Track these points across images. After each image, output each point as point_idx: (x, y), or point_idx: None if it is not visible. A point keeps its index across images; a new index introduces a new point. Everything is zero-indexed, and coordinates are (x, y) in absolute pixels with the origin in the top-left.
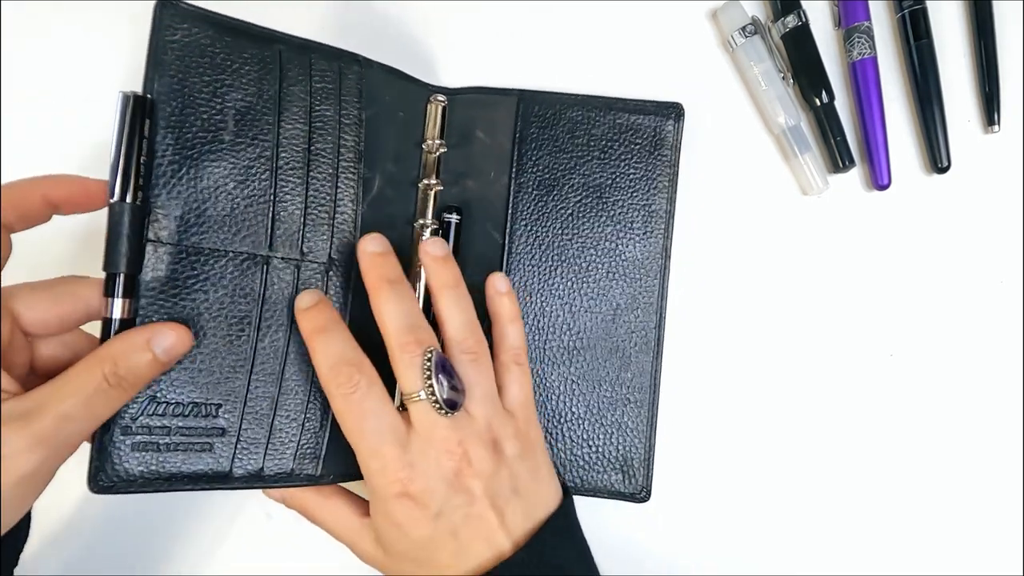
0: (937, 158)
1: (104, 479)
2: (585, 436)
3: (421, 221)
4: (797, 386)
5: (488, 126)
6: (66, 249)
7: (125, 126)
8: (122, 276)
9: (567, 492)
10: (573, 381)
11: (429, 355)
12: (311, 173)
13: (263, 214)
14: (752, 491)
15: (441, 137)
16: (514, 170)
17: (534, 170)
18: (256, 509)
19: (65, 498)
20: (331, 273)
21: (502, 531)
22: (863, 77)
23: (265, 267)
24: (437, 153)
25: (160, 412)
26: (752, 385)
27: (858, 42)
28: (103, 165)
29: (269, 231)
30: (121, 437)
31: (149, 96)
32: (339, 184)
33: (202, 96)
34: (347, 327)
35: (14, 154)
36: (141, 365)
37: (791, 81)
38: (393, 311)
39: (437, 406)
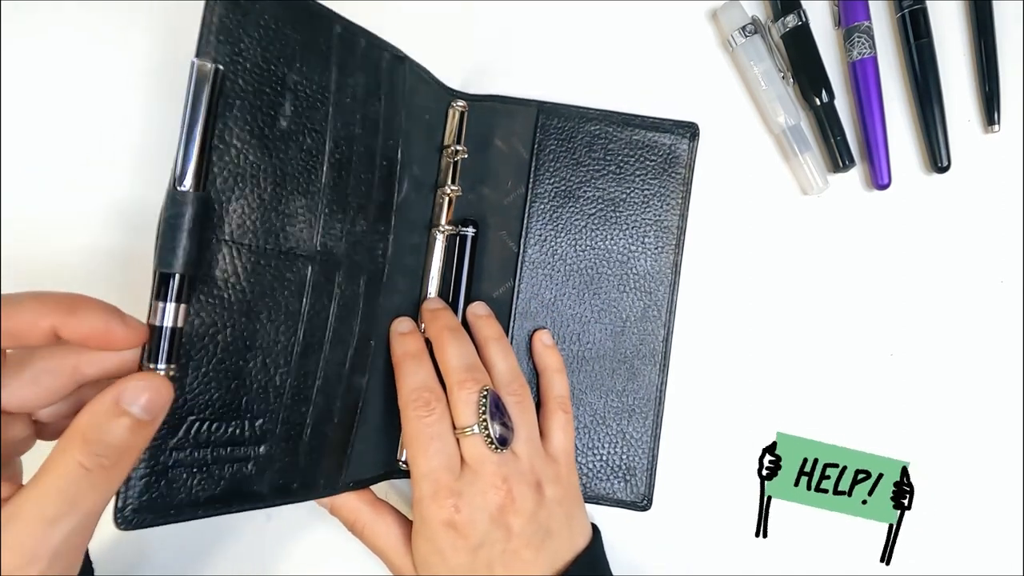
0: (937, 158)
1: (134, 516)
2: (590, 444)
3: (438, 226)
4: (797, 386)
5: (506, 135)
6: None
7: (202, 104)
8: (177, 277)
9: (596, 531)
10: (581, 390)
11: (485, 393)
12: (355, 170)
13: (312, 211)
14: (753, 493)
15: (459, 142)
16: (531, 180)
17: (551, 181)
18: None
19: None
20: (362, 279)
21: (535, 569)
22: (863, 77)
23: (311, 270)
24: (457, 158)
25: (202, 431)
26: (752, 385)
27: (858, 42)
28: (103, 164)
29: (320, 231)
30: (156, 463)
31: (221, 68)
32: (377, 185)
33: (259, 72)
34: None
35: (15, 153)
36: (120, 434)
37: (791, 81)
38: (455, 352)
39: (489, 441)
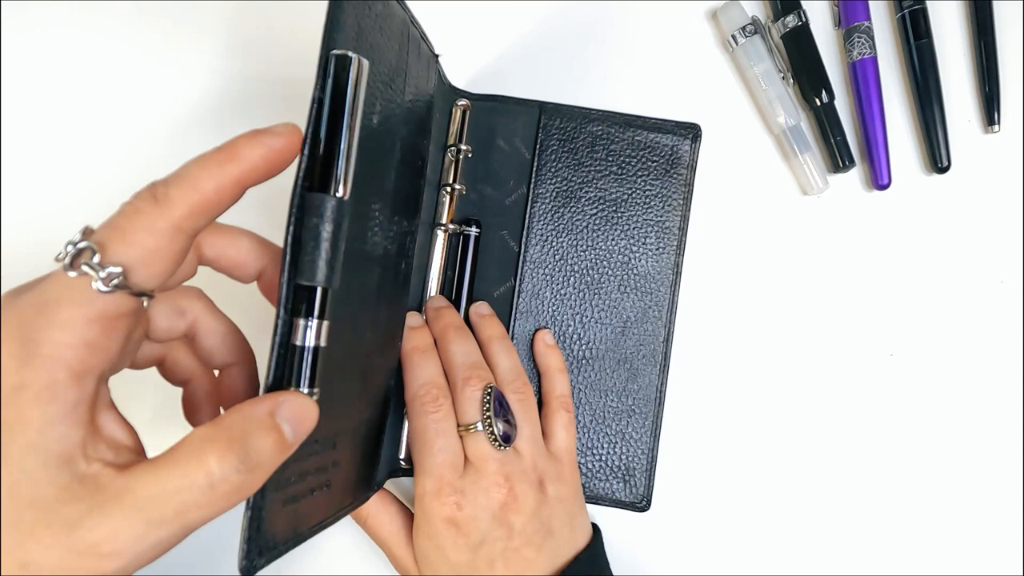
0: (937, 158)
1: (258, 561)
2: (589, 444)
3: (441, 224)
4: (797, 386)
5: (508, 135)
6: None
7: (347, 99)
8: (320, 291)
9: (596, 531)
10: (581, 390)
11: (489, 391)
12: (406, 169)
13: (383, 213)
14: (753, 493)
15: (460, 141)
16: (533, 180)
17: (552, 181)
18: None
19: None
20: (399, 279)
21: (536, 567)
22: (863, 77)
23: (376, 274)
24: (461, 157)
25: (305, 454)
26: (751, 385)
27: (858, 42)
28: (104, 163)
29: (384, 232)
30: (274, 495)
31: (366, 61)
32: (414, 183)
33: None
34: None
35: (15, 153)
36: (266, 449)
37: (791, 81)
38: (459, 350)
39: (493, 438)
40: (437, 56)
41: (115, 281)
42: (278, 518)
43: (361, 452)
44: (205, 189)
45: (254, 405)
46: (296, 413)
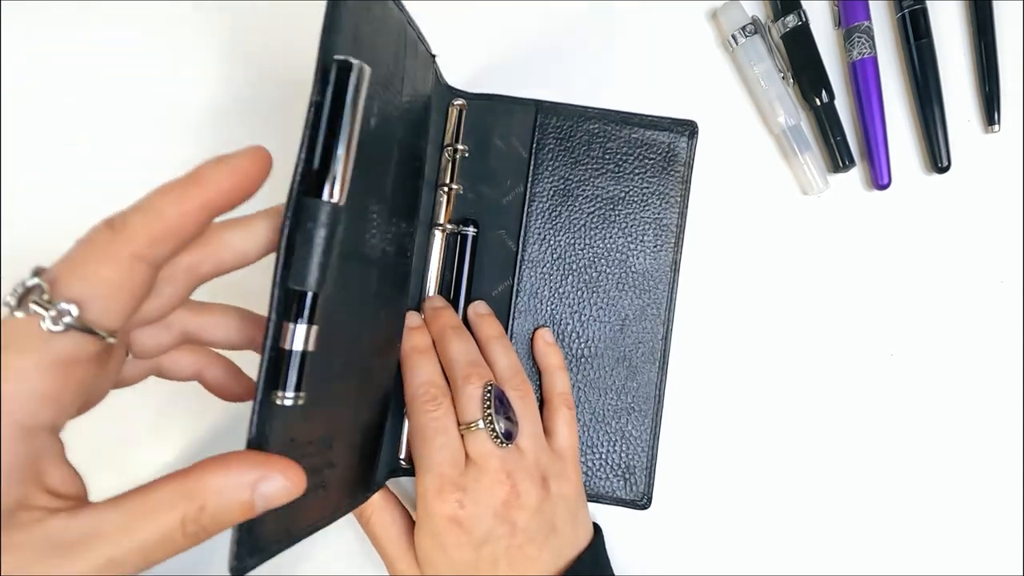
0: (937, 158)
1: (248, 559)
2: (589, 443)
3: (438, 224)
4: (797, 386)
5: (505, 134)
6: None
7: (347, 104)
8: (311, 296)
9: (597, 529)
10: (580, 388)
11: (489, 388)
12: (403, 170)
13: (381, 215)
14: (752, 492)
15: (457, 141)
16: (530, 179)
17: (550, 180)
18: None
19: None
20: (398, 281)
21: (539, 565)
22: (863, 77)
23: (375, 276)
24: (458, 156)
25: (298, 455)
26: (752, 385)
27: (858, 42)
28: (104, 163)
29: (382, 234)
30: None
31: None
32: (411, 184)
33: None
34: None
35: (15, 152)
36: (233, 511)
37: (791, 81)
38: (458, 349)
39: (494, 435)
40: (434, 56)
41: (67, 319)
42: (269, 518)
43: (360, 453)
44: (167, 215)
45: (240, 470)
46: (273, 483)
